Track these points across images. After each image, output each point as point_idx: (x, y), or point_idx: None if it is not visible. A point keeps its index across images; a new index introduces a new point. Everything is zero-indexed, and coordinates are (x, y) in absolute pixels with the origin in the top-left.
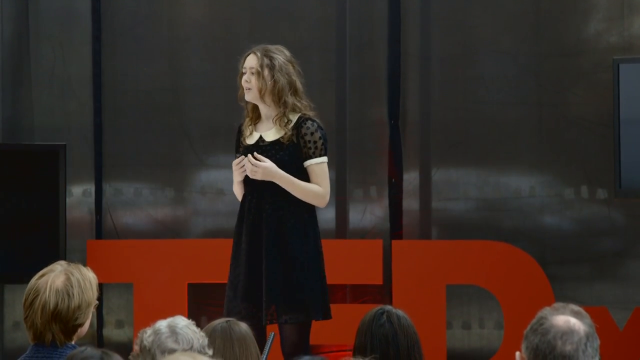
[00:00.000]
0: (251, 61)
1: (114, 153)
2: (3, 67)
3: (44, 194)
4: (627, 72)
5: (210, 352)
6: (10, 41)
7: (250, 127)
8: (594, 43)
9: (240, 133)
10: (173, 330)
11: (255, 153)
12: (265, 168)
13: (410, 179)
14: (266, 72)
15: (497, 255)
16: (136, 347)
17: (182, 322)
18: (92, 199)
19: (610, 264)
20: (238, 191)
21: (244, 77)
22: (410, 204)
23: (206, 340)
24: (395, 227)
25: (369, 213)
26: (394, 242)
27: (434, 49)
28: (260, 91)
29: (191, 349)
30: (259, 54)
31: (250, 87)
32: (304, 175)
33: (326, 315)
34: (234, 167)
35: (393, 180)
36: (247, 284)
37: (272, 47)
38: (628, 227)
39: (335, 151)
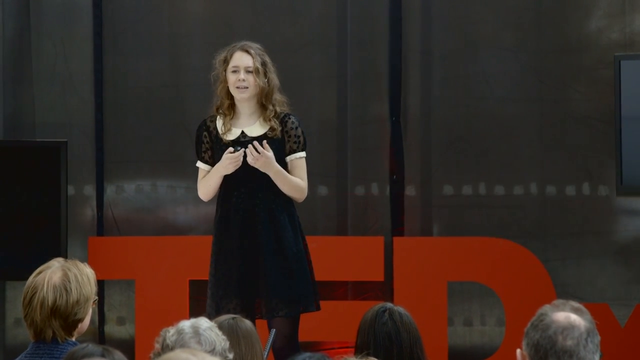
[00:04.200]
0: (246, 60)
1: (115, 149)
2: (4, 63)
3: (45, 190)
4: (628, 68)
5: (231, 355)
6: (12, 38)
7: (227, 124)
8: (596, 40)
9: (206, 130)
10: (196, 331)
11: (264, 142)
12: (269, 158)
13: (412, 175)
14: (262, 71)
15: (498, 252)
16: (157, 346)
17: (205, 324)
18: (93, 195)
19: (612, 260)
20: (214, 185)
21: (239, 76)
22: (412, 200)
23: (227, 344)
24: (397, 224)
25: (370, 210)
26: (395, 238)
27: (435, 45)
28: (260, 90)
29: (213, 351)
30: (252, 52)
31: (247, 86)
32: (284, 169)
33: (318, 306)
34: (226, 160)
35: (394, 176)
36: (241, 280)
37: (256, 45)
38: (629, 224)
39: (336, 148)
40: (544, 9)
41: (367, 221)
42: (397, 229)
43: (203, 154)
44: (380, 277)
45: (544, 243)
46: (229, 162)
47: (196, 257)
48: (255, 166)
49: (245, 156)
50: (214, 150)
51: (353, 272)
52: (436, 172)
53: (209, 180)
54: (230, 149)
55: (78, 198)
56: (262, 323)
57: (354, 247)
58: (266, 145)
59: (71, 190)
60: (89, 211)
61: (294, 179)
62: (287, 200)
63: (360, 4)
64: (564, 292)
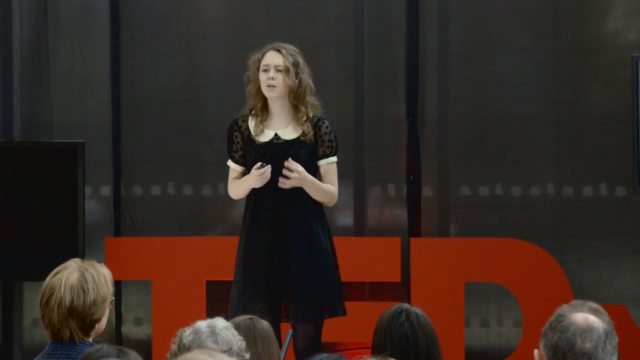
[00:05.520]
0: (276, 59)
1: (133, 150)
2: (22, 64)
3: (63, 191)
4: None
5: (248, 355)
6: (29, 39)
7: (260, 125)
8: (613, 40)
9: (238, 130)
10: (213, 331)
11: (290, 160)
12: (301, 173)
13: (429, 176)
14: (292, 71)
15: (515, 252)
16: (174, 346)
17: (221, 324)
18: (110, 196)
19: (629, 261)
20: (241, 192)
21: (268, 74)
22: (429, 201)
23: (244, 344)
24: (414, 225)
25: (387, 210)
26: (412, 239)
27: (452, 45)
28: (288, 89)
29: (230, 350)
30: (283, 52)
31: (275, 85)
32: (315, 173)
33: (344, 311)
34: (254, 176)
35: (411, 177)
36: (269, 283)
37: (289, 46)
38: None
39: (353, 148)
40: (561, 10)
41: (384, 222)
42: (414, 229)
43: (234, 154)
44: (397, 278)
45: (561, 244)
46: (256, 179)
47: (213, 257)
48: (288, 186)
49: (271, 164)
50: (245, 150)
51: (370, 273)
52: (453, 173)
53: (238, 187)
54: (258, 164)
55: (95, 199)
56: (288, 324)
57: (370, 247)
58: (293, 163)
59: (88, 190)
60: (106, 212)
61: (325, 186)
62: (318, 205)
63: (377, 4)
64: (581, 293)
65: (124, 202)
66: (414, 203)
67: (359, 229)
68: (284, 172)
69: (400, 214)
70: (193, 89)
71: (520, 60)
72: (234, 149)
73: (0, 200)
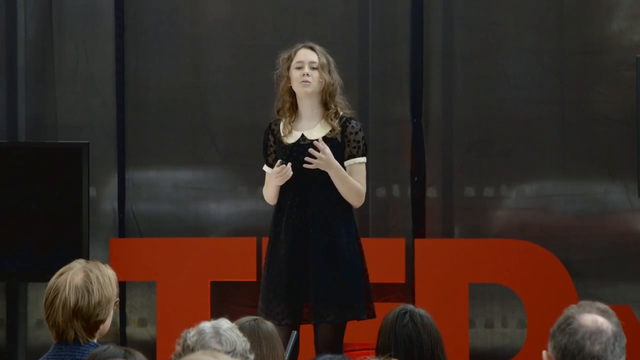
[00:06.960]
0: (310, 56)
1: (137, 151)
2: (27, 65)
3: (67, 192)
4: None
5: (252, 356)
6: (34, 39)
7: (288, 126)
8: (617, 41)
9: (271, 133)
10: (217, 332)
11: (320, 140)
12: (328, 155)
13: (433, 177)
14: (327, 69)
15: (520, 253)
16: (178, 347)
17: (225, 325)
18: (115, 197)
19: (634, 262)
20: (272, 192)
21: (303, 71)
22: (433, 202)
23: (248, 345)
24: (418, 226)
25: (391, 211)
26: (416, 240)
27: (457, 46)
28: (323, 85)
29: (234, 351)
30: (317, 50)
31: (310, 81)
32: None
33: (371, 314)
34: (274, 174)
35: (415, 178)
36: (289, 283)
37: (318, 46)
38: None
39: None
40: (565, 10)
41: (388, 223)
42: (419, 230)
43: (268, 157)
44: (401, 279)
45: (566, 244)
46: (275, 176)
47: (217, 258)
48: (317, 167)
49: (295, 165)
50: (277, 152)
51: (374, 274)
52: (457, 174)
53: (267, 187)
54: (279, 161)
55: (99, 199)
56: (309, 328)
57: (375, 248)
58: (322, 143)
59: (93, 191)
60: (111, 212)
61: (352, 181)
62: (344, 208)
63: (382, 5)
64: (586, 294)
65: (128, 203)
66: (418, 204)
67: (363, 229)
68: (310, 150)
69: (404, 214)
70: (197, 89)
71: (524, 61)
72: (268, 152)
73: (5, 201)
